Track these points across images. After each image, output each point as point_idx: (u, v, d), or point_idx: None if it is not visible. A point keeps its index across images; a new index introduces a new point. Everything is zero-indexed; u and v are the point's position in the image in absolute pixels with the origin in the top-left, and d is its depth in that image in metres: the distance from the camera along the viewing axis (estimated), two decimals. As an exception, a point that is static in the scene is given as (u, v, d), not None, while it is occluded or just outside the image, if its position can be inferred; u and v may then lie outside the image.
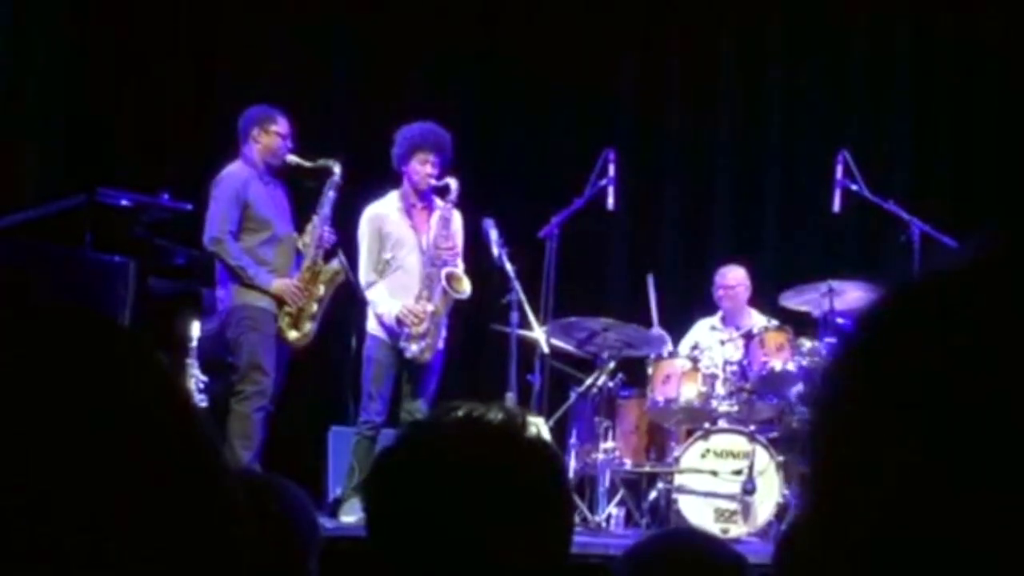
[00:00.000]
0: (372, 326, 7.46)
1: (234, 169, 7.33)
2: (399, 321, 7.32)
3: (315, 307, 7.34)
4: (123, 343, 0.80)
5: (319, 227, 7.39)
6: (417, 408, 7.31)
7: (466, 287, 7.44)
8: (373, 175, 7.71)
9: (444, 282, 7.38)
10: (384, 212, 7.48)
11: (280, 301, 7.25)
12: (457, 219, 7.56)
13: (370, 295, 7.41)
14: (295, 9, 9.60)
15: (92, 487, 0.73)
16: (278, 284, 7.24)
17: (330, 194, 7.42)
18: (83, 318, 0.79)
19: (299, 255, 7.41)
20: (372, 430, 7.35)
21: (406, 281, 7.42)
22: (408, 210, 7.49)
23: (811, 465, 0.69)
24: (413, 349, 7.33)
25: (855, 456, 0.65)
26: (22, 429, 0.73)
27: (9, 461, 0.73)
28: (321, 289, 7.35)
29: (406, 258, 7.43)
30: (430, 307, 7.36)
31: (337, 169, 7.42)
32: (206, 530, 0.77)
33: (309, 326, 7.34)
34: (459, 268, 7.47)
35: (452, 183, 7.45)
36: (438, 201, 7.56)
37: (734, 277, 8.35)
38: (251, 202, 7.25)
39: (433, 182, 7.45)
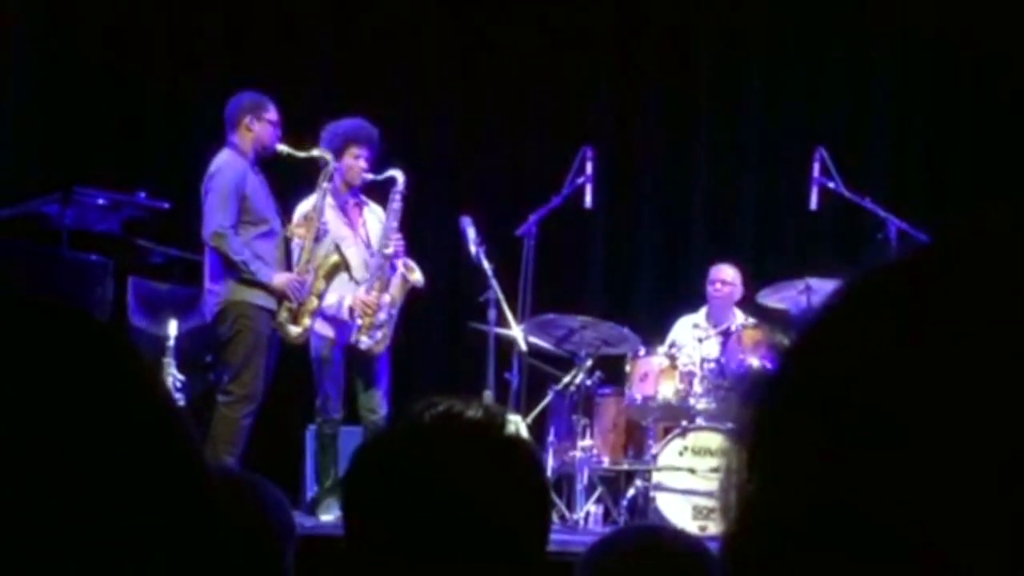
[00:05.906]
0: (317, 325, 7.30)
1: (228, 160, 7.00)
2: (351, 312, 7.27)
3: (316, 302, 7.11)
4: (102, 339, 0.80)
5: (317, 221, 7.16)
6: (376, 403, 7.27)
7: (419, 276, 7.40)
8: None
9: (403, 269, 7.35)
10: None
11: (281, 296, 7.02)
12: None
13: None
14: (274, 5, 9.58)
15: (68, 482, 0.73)
16: (280, 279, 6.99)
17: (325, 186, 7.20)
18: (60, 313, 0.79)
19: (288, 247, 7.21)
20: (333, 427, 7.33)
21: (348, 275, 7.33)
22: (342, 206, 7.40)
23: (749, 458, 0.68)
24: (366, 341, 7.26)
25: (781, 452, 0.64)
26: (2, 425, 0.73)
27: None
28: (322, 283, 7.14)
29: (346, 253, 7.31)
30: (386, 296, 7.31)
31: (330, 158, 7.18)
32: (186, 526, 0.77)
33: (308, 321, 7.10)
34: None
35: (399, 175, 7.38)
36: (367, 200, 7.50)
37: (729, 274, 8.34)
38: (249, 194, 6.96)
39: (368, 176, 7.38)
